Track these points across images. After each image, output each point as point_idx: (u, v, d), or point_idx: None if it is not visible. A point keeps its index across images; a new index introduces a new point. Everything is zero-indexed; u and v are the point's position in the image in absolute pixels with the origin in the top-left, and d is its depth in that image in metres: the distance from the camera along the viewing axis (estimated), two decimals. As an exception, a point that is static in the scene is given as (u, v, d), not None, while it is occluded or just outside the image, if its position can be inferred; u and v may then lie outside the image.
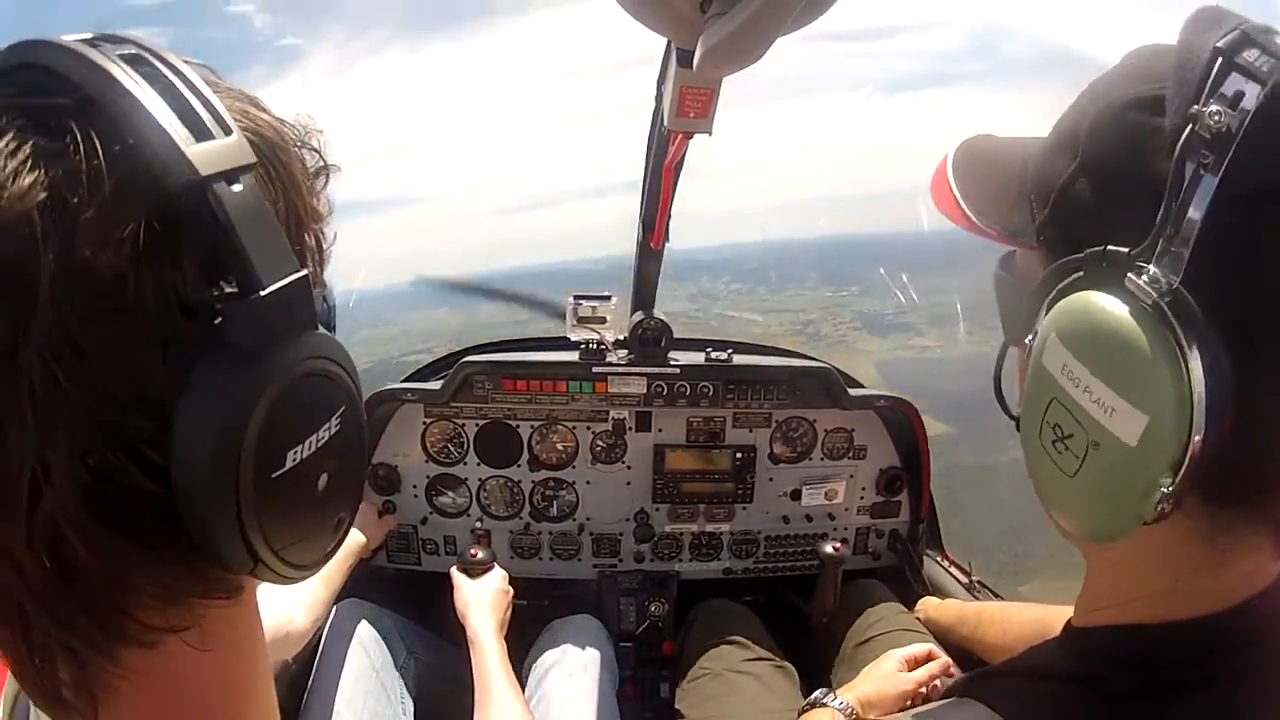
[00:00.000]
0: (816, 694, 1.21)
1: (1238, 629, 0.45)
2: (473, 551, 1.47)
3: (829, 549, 1.53)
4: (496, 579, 1.45)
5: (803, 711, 1.20)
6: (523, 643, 1.51)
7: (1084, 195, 0.43)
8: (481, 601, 1.36)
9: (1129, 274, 0.38)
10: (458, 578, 1.43)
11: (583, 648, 1.48)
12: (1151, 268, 0.38)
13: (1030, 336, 0.46)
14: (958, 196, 0.51)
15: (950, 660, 1.26)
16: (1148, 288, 0.37)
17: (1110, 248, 0.40)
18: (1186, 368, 0.36)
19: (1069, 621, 0.53)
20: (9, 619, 0.34)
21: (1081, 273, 0.42)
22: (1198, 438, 0.37)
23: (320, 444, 0.38)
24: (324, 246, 0.45)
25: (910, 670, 1.22)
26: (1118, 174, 0.42)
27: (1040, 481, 0.47)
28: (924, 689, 1.19)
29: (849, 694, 1.20)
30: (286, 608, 1.18)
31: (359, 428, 0.41)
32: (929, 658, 1.25)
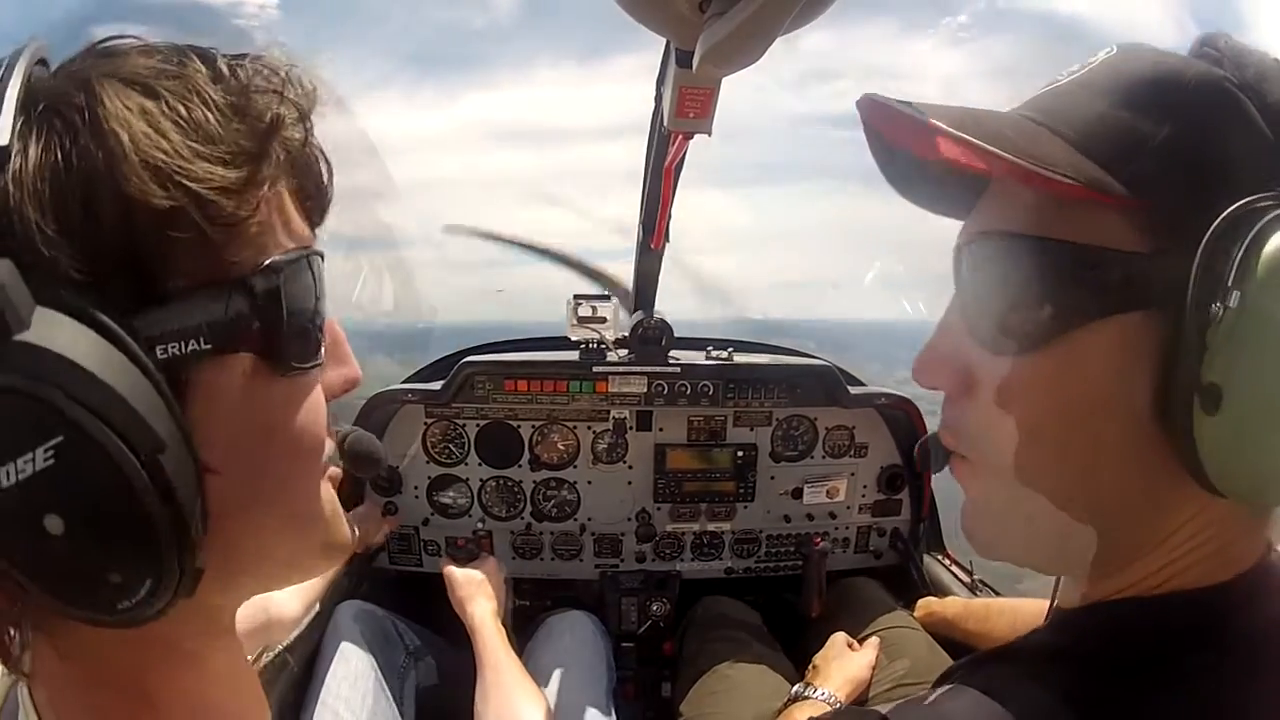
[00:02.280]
0: (796, 688, 1.25)
1: (1245, 596, 0.44)
2: (460, 541, 1.46)
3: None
4: (490, 565, 1.44)
5: (784, 708, 1.21)
6: (523, 642, 1.51)
7: (1198, 150, 0.40)
8: (478, 590, 1.36)
9: None
10: (451, 570, 1.42)
11: (577, 644, 1.48)
12: None
13: (1227, 296, 0.37)
14: (1001, 150, 0.40)
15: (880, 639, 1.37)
16: None
17: None
18: None
19: (1059, 605, 0.52)
20: None
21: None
22: None
23: (22, 477, 0.30)
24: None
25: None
26: (1230, 131, 0.40)
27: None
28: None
29: (826, 684, 1.23)
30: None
31: (113, 467, 0.32)
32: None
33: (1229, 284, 0.36)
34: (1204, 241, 0.37)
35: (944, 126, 0.41)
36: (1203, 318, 0.37)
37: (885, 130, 0.46)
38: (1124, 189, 0.39)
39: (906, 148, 0.45)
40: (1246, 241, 0.36)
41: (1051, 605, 0.53)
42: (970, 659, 0.57)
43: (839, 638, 1.38)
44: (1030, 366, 0.44)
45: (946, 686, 0.50)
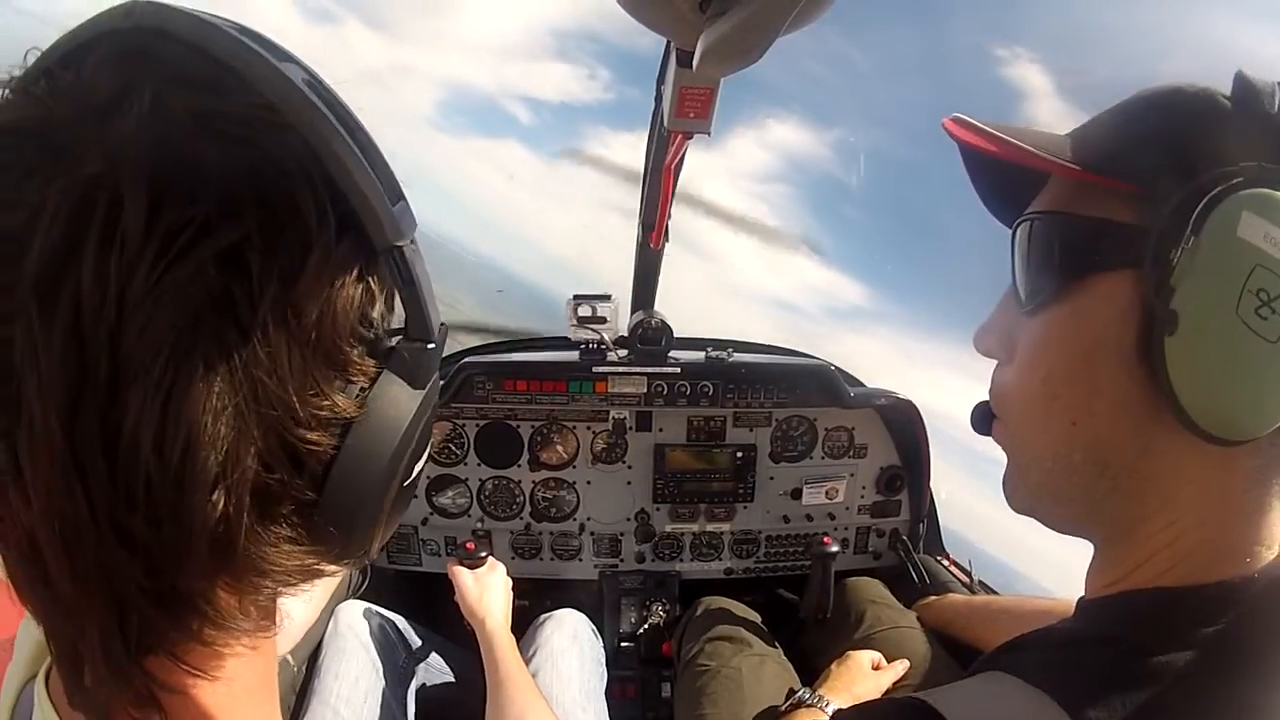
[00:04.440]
0: (801, 693, 1.23)
1: (1242, 595, 0.46)
2: (469, 545, 1.46)
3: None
4: (499, 573, 1.44)
5: (786, 712, 1.21)
6: (517, 642, 1.50)
7: (1178, 147, 0.46)
8: (489, 594, 1.36)
9: None
10: (460, 574, 1.42)
11: (573, 645, 1.47)
12: None
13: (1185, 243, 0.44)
14: (1049, 155, 0.51)
15: (908, 663, 1.32)
16: None
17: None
18: None
19: (1081, 598, 0.56)
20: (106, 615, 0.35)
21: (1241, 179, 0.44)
22: None
23: (427, 458, 0.45)
24: None
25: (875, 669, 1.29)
26: (1207, 133, 0.46)
27: (1231, 361, 0.44)
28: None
29: (831, 694, 1.21)
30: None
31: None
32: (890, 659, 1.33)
33: (1188, 234, 0.44)
34: (1179, 210, 0.44)
35: (985, 127, 0.52)
36: (1169, 266, 0.44)
37: (961, 138, 0.55)
38: (1118, 175, 0.48)
39: (972, 148, 0.54)
40: (1204, 203, 0.43)
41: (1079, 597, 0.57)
42: (1000, 648, 0.60)
43: (864, 656, 1.32)
44: (1047, 320, 0.52)
45: (981, 673, 0.54)
